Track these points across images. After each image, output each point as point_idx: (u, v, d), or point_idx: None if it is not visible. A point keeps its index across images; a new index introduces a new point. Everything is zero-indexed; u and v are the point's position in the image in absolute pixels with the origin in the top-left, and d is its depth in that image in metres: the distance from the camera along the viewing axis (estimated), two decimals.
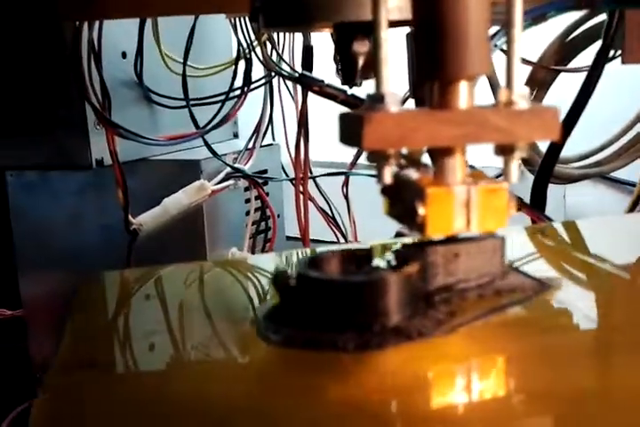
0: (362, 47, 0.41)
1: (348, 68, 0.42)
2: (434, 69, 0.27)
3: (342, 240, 0.82)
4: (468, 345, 0.25)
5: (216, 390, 0.23)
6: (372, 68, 0.32)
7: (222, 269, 0.40)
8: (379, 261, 0.29)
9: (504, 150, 0.28)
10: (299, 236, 0.74)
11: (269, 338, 0.26)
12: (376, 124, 0.26)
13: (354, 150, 0.97)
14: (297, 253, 0.41)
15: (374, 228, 0.98)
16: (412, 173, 0.29)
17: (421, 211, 0.26)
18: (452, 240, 0.28)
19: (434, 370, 0.24)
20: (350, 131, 0.27)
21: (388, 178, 0.28)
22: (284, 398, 0.22)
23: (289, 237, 0.89)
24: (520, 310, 0.28)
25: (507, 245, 0.30)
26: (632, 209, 0.58)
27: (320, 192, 0.79)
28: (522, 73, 0.28)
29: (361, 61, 0.42)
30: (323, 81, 0.59)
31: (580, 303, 0.29)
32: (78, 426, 0.21)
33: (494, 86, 0.60)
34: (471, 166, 0.29)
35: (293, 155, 0.71)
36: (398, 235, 0.36)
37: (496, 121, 0.27)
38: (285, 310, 0.27)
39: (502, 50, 0.55)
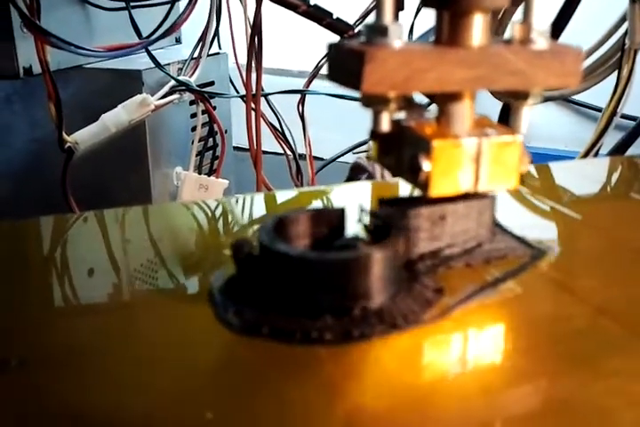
0: None
1: None
2: None
3: (289, 153, 0.78)
4: (464, 337, 0.21)
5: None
6: None
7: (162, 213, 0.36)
8: (354, 224, 0.25)
9: (516, 95, 0.25)
10: (246, 147, 0.69)
11: (230, 322, 0.22)
12: (379, 63, 0.22)
13: (304, 59, 0.91)
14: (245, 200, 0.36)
15: (326, 143, 0.95)
16: (408, 118, 0.26)
17: (426, 166, 0.23)
18: (435, 199, 0.24)
19: (427, 372, 0.20)
20: (346, 68, 0.23)
21: (385, 125, 0.24)
22: (245, 399, 0.18)
23: (236, 148, 0.85)
24: (515, 285, 0.24)
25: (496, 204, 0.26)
26: (598, 139, 0.56)
27: (271, 109, 0.74)
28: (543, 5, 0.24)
29: None
30: None
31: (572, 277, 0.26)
32: None
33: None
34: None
35: (242, 65, 0.66)
36: (355, 169, 0.31)
37: (515, 63, 0.23)
38: (245, 284, 0.23)
39: None
